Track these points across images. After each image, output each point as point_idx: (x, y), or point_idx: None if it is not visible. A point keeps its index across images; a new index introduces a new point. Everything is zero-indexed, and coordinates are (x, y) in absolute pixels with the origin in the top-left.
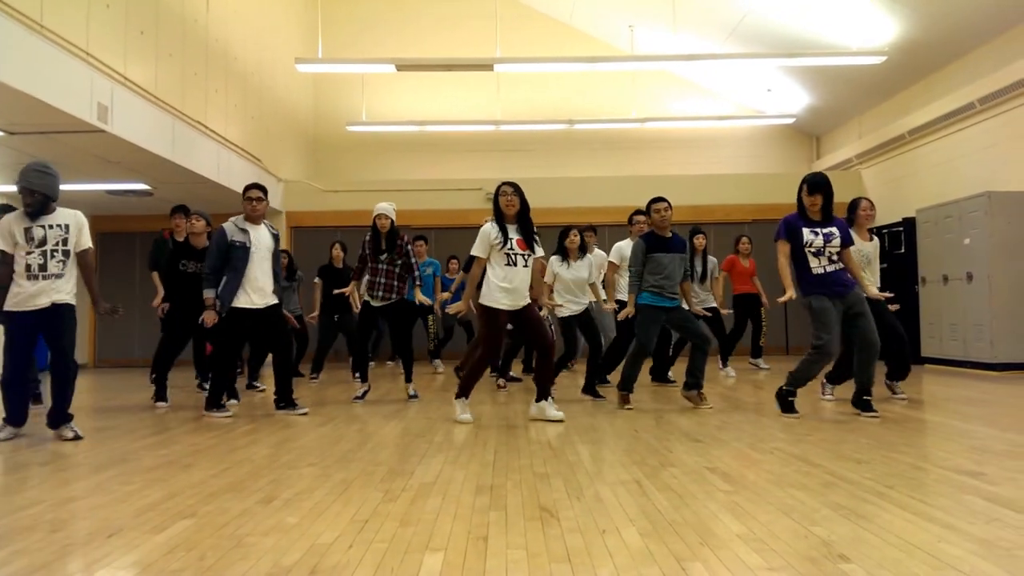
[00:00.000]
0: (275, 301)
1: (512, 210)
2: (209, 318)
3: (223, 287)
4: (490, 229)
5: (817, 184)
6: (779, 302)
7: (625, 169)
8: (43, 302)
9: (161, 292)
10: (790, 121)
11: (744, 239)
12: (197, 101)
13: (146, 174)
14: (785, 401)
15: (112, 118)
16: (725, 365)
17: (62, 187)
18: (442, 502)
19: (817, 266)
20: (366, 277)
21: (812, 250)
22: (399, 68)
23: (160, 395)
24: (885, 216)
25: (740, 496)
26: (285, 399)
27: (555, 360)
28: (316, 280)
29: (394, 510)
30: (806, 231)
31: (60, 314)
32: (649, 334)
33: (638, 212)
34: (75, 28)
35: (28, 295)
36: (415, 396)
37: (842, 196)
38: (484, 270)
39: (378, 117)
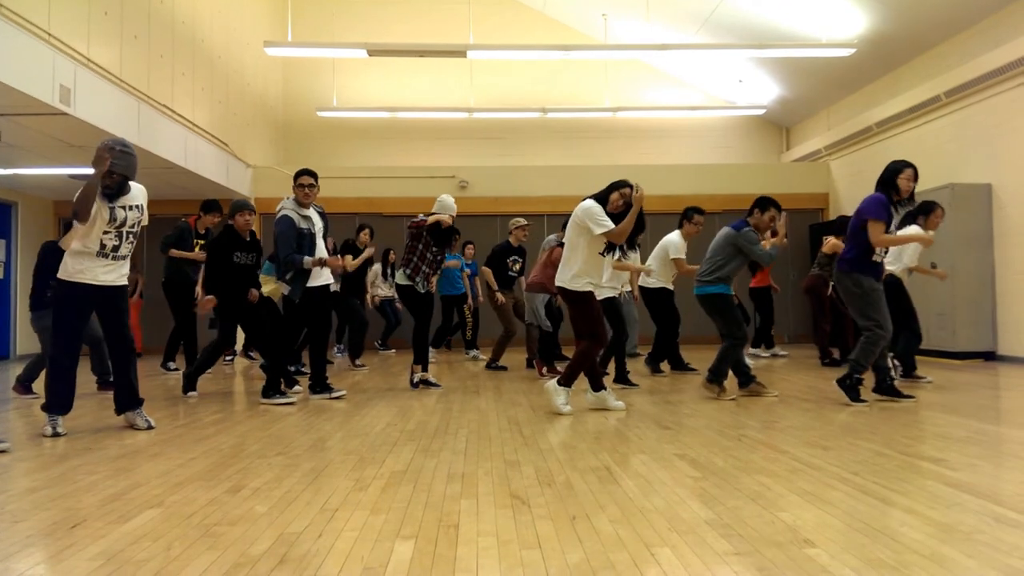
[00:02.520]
0: (331, 280)
1: (614, 208)
2: (335, 262)
3: (294, 277)
4: (598, 207)
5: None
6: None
7: (598, 158)
8: (106, 279)
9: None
10: (760, 112)
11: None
12: (163, 84)
13: None
14: (854, 390)
15: (75, 101)
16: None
17: (25, 171)
18: (413, 490)
19: (879, 254)
20: (416, 263)
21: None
22: (370, 53)
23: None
24: (852, 207)
25: (708, 482)
26: (320, 383)
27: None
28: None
29: (364, 499)
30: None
31: (120, 295)
32: (740, 321)
33: (701, 211)
34: (36, 8)
35: (92, 272)
36: (434, 383)
37: (811, 187)
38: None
39: (349, 103)
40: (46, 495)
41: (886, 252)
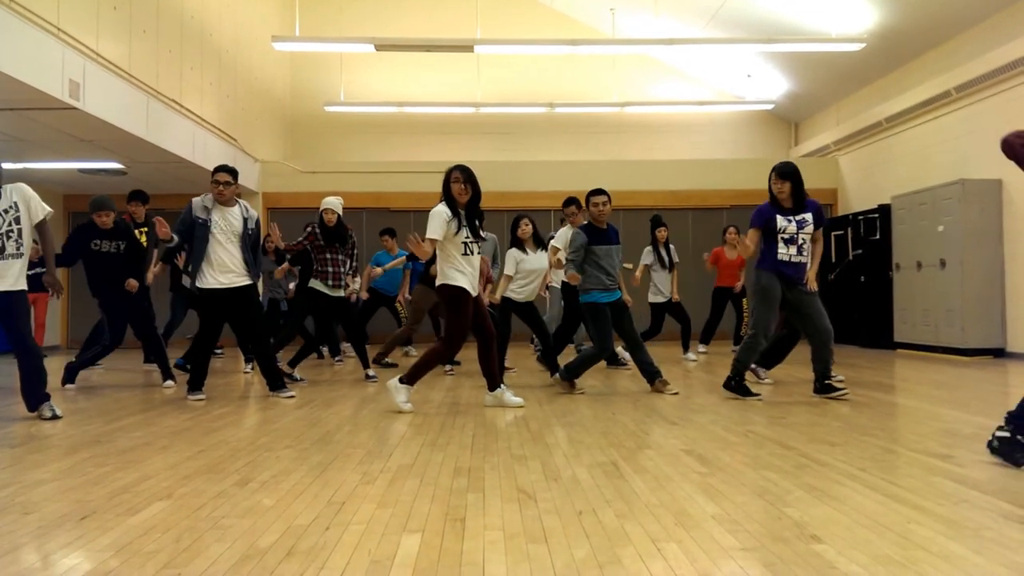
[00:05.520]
0: (245, 282)
1: (464, 199)
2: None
3: (193, 268)
4: (445, 211)
5: (784, 172)
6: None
7: (605, 153)
8: (2, 286)
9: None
10: (769, 107)
11: (731, 229)
12: (172, 79)
13: (120, 153)
14: (740, 387)
15: (84, 95)
16: (687, 351)
17: (34, 165)
18: (420, 484)
19: (785, 253)
20: (329, 268)
21: (785, 236)
22: (378, 48)
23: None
24: (861, 203)
25: (715, 478)
26: (273, 382)
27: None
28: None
29: (372, 492)
30: (779, 218)
31: (12, 301)
32: (605, 333)
33: (571, 201)
34: (46, 2)
35: None
36: (374, 377)
37: (819, 183)
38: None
39: (356, 97)
40: (56, 487)
41: (799, 251)
